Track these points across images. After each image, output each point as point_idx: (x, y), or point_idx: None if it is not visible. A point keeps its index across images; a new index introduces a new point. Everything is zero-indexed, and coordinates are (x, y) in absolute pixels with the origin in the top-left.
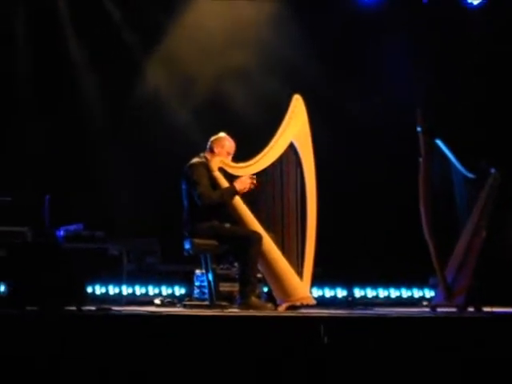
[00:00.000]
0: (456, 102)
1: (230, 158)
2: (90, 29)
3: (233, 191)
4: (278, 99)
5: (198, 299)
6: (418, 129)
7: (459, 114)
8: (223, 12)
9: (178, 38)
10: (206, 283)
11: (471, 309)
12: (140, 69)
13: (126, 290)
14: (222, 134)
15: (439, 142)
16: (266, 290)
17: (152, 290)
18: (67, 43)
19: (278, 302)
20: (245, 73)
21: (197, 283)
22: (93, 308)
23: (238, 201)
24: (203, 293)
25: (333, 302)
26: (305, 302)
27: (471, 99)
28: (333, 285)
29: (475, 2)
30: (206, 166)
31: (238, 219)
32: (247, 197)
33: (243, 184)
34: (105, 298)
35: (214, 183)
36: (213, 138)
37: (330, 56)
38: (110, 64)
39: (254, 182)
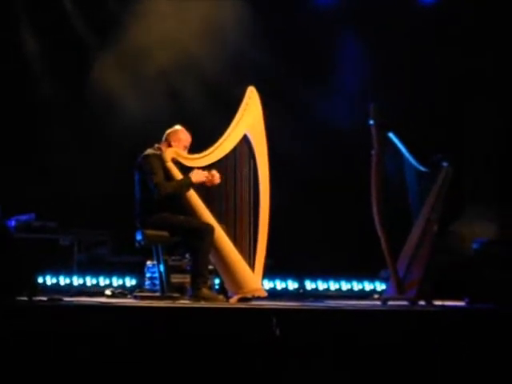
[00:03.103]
0: (411, 95)
1: (186, 150)
2: (43, 19)
3: (189, 183)
4: (234, 92)
5: (149, 290)
6: (371, 122)
7: (414, 107)
8: (180, 7)
9: (133, 30)
10: (157, 274)
11: (422, 302)
12: (93, 59)
13: (76, 281)
14: (178, 127)
15: (392, 135)
16: (217, 281)
17: (103, 281)
18: (20, 32)
19: (230, 293)
20: (201, 66)
21: (148, 274)
22: (44, 298)
23: (191, 192)
24: (154, 284)
25: (284, 294)
26: (256, 294)
27: (427, 93)
28: (284, 277)
29: None
30: (160, 157)
31: (190, 211)
32: (200, 189)
33: (199, 176)
34: (55, 288)
35: (168, 174)
36: (169, 131)
37: (288, 50)
38: (63, 53)
39: (214, 177)
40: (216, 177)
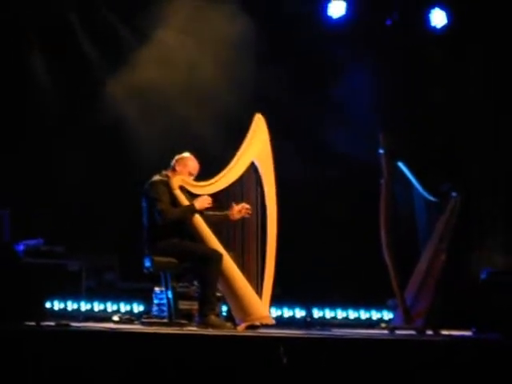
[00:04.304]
0: (420, 125)
1: (192, 178)
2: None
3: (192, 209)
4: (241, 119)
5: (156, 317)
6: (381, 151)
7: (423, 136)
8: (188, 30)
9: (141, 57)
10: (164, 301)
11: (430, 332)
12: (102, 85)
13: (84, 306)
14: (186, 154)
15: (401, 165)
16: (225, 308)
17: (110, 307)
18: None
19: (237, 321)
20: (208, 92)
21: (156, 301)
22: (52, 323)
23: (198, 219)
24: (162, 310)
25: (291, 322)
26: (264, 322)
27: (435, 122)
28: (291, 305)
29: (438, 26)
30: (166, 183)
31: (198, 238)
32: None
33: (202, 202)
34: (63, 313)
35: (175, 201)
36: (177, 157)
37: (294, 76)
38: (72, 77)
39: (240, 213)
40: (245, 211)
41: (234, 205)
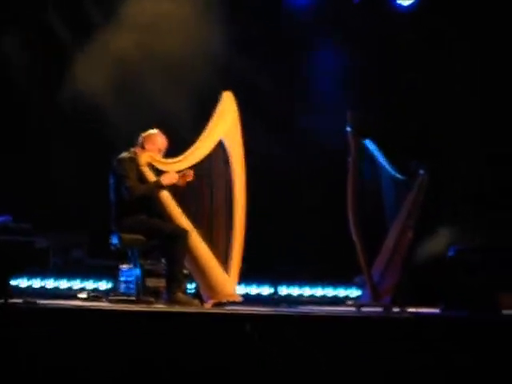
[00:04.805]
0: (388, 102)
1: (161, 154)
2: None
3: (159, 185)
4: (211, 95)
5: (123, 294)
6: (348, 129)
7: (391, 114)
8: (156, 6)
9: (110, 32)
10: (132, 278)
11: (396, 309)
12: (71, 61)
13: (51, 284)
14: (153, 131)
15: (368, 143)
16: (193, 286)
17: (77, 284)
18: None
19: (205, 298)
20: (177, 68)
21: (122, 278)
22: (19, 301)
23: (166, 196)
24: (129, 288)
25: (258, 300)
26: (231, 299)
27: (404, 99)
28: (259, 282)
29: (405, 3)
30: (134, 160)
31: (165, 214)
32: (175, 192)
33: (169, 178)
34: (29, 291)
35: (142, 178)
36: (144, 134)
37: (266, 55)
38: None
39: (184, 177)
40: (188, 174)
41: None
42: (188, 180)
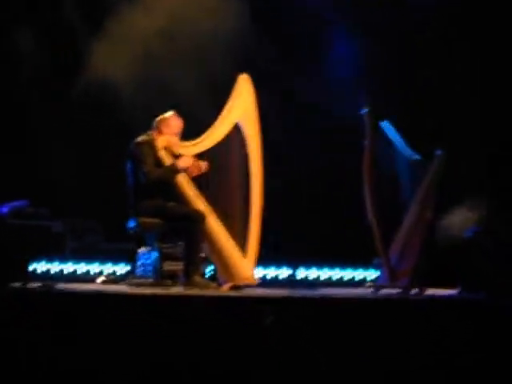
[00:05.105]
0: (404, 84)
1: (178, 137)
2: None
3: (175, 169)
4: (227, 79)
5: (141, 277)
6: (363, 110)
7: (407, 96)
8: None
9: (125, 18)
10: (149, 261)
11: (415, 290)
12: (85, 47)
13: (68, 268)
14: (169, 113)
15: (385, 124)
16: (210, 269)
17: (94, 268)
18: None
19: (222, 281)
20: (192, 52)
21: (140, 261)
22: (37, 285)
23: (182, 179)
24: (147, 271)
25: (276, 282)
26: (248, 282)
27: (420, 81)
28: (277, 265)
29: None
30: (151, 144)
31: (182, 198)
32: (193, 176)
33: (185, 162)
34: (47, 275)
35: (159, 162)
36: (159, 118)
37: (281, 37)
38: (54, 41)
39: (199, 168)
40: (202, 166)
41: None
42: (202, 172)
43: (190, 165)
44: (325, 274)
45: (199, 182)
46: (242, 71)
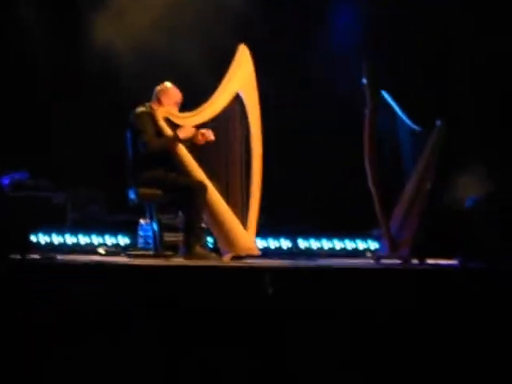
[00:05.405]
0: (403, 54)
1: (177, 107)
2: None
3: (176, 138)
4: (226, 49)
5: (142, 249)
6: (364, 81)
7: (406, 66)
8: None
9: None
10: (150, 233)
11: (415, 261)
12: (88, 21)
13: (69, 239)
14: (168, 84)
15: (385, 94)
16: (211, 240)
17: (96, 239)
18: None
19: (223, 252)
20: (191, 23)
21: (141, 233)
22: (37, 256)
23: (183, 150)
24: (147, 243)
25: (277, 253)
26: (249, 253)
27: (419, 53)
28: (277, 236)
29: None
30: (150, 115)
31: (183, 169)
32: (193, 147)
33: (186, 132)
34: (48, 246)
35: (159, 132)
36: (159, 88)
37: (279, 6)
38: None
39: (204, 136)
40: (208, 134)
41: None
42: (208, 140)
43: (192, 134)
44: (325, 244)
45: (199, 153)
46: (241, 40)
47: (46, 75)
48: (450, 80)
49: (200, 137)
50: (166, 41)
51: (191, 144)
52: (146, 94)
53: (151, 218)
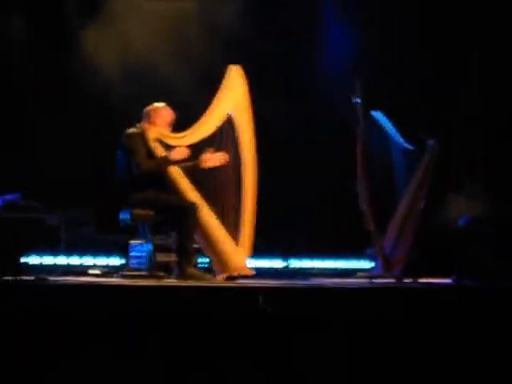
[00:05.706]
0: (396, 72)
1: (169, 128)
2: None
3: (168, 160)
4: (218, 70)
5: (135, 269)
6: (357, 100)
7: (399, 85)
8: None
9: (116, 5)
10: (142, 253)
11: (408, 280)
12: (76, 33)
13: (61, 261)
14: (159, 104)
15: (378, 114)
16: (203, 260)
17: (87, 261)
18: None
19: (216, 272)
20: (184, 42)
21: (132, 253)
22: (30, 278)
23: (175, 171)
24: (140, 263)
25: (270, 273)
26: (243, 273)
27: (413, 71)
28: (270, 256)
29: None
30: (142, 135)
31: (175, 190)
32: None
33: (178, 153)
34: (40, 268)
35: (151, 153)
36: (150, 107)
37: (271, 23)
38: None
39: (220, 156)
40: (223, 157)
41: (206, 152)
42: (222, 162)
43: (185, 156)
44: (318, 264)
45: (191, 171)
46: (232, 60)
47: (33, 91)
48: (444, 99)
49: (206, 160)
50: (157, 60)
51: (192, 168)
52: (137, 114)
53: (145, 239)
